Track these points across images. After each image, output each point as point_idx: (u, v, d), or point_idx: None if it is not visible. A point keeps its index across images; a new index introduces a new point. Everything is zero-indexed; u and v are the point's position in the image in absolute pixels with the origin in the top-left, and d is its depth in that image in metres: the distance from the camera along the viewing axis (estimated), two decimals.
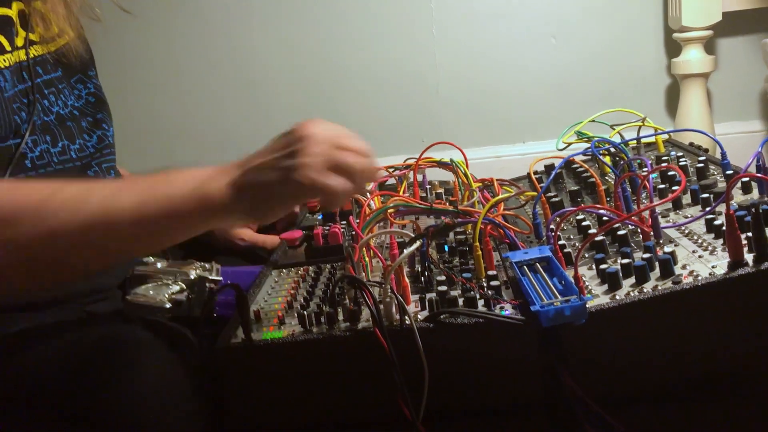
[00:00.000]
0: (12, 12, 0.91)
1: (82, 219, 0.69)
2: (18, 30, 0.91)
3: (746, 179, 0.93)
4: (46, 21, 0.95)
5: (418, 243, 0.78)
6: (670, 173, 1.03)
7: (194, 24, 1.97)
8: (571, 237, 0.93)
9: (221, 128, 2.02)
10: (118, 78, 1.95)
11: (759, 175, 0.81)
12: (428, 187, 1.22)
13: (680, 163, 1.07)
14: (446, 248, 0.94)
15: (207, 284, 0.92)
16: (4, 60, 0.87)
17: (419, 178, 1.20)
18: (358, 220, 0.94)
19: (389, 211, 0.93)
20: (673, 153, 1.17)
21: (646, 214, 0.85)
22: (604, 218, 0.91)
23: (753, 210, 0.72)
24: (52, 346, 0.75)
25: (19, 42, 0.91)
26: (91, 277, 0.86)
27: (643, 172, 0.95)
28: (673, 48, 1.88)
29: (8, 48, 0.89)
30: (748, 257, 0.72)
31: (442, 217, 0.94)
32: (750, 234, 0.73)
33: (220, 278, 0.94)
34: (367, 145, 0.76)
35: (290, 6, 1.94)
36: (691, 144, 1.20)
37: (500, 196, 0.93)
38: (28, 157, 0.88)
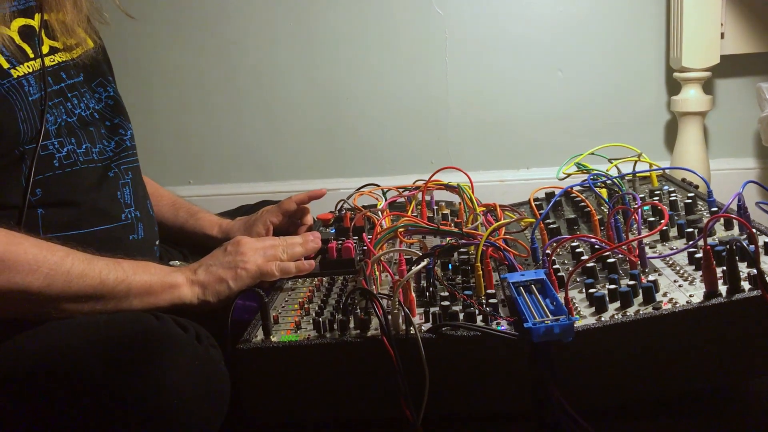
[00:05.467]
0: (35, 22, 1.00)
1: (86, 283, 0.87)
2: (43, 39, 1.00)
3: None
4: (68, 30, 1.04)
5: (425, 261, 0.85)
6: (660, 208, 1.11)
7: (222, 45, 2.04)
8: (566, 262, 1.01)
9: (241, 144, 2.10)
10: (142, 90, 2.05)
11: (733, 216, 0.89)
12: (435, 207, 1.30)
13: (671, 198, 1.15)
14: (450, 267, 1.02)
15: None
16: (28, 66, 0.95)
17: (427, 198, 1.28)
18: (370, 237, 1.02)
19: (399, 230, 1.01)
20: (666, 187, 1.25)
21: (634, 244, 0.93)
22: (596, 246, 0.98)
23: (729, 246, 0.80)
24: (89, 335, 0.81)
25: (45, 49, 1.00)
26: None
27: (635, 205, 1.02)
28: (673, 86, 1.96)
29: (31, 55, 0.97)
30: (723, 289, 0.80)
31: (448, 238, 1.02)
32: (725, 268, 0.81)
33: None
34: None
35: (312, 33, 2.02)
36: (683, 180, 1.28)
37: (502, 221, 1.01)
38: (56, 157, 0.96)
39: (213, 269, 0.97)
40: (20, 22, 0.97)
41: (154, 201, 1.18)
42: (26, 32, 0.98)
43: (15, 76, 0.92)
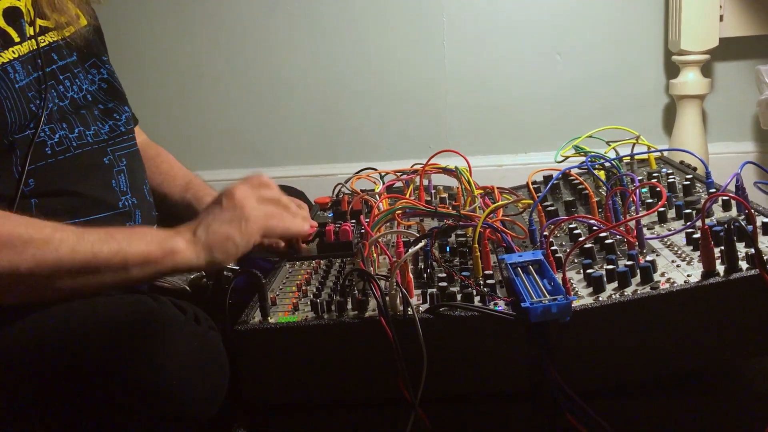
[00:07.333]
0: (20, 3, 0.95)
1: (78, 258, 0.82)
2: (33, 19, 0.96)
3: (726, 197, 1.01)
4: (57, 8, 0.99)
5: (423, 242, 0.85)
6: (658, 189, 1.11)
7: (218, 29, 2.04)
8: (563, 243, 1.01)
9: (238, 129, 2.10)
10: (137, 75, 2.04)
11: (732, 195, 0.89)
12: (433, 191, 1.30)
13: (669, 180, 1.14)
14: (447, 249, 1.01)
15: (225, 272, 1.01)
16: (14, 51, 0.91)
17: (425, 182, 1.27)
18: (368, 220, 1.02)
19: (397, 212, 1.01)
20: (664, 170, 1.25)
21: (632, 224, 0.93)
22: (594, 227, 0.98)
23: (727, 226, 0.80)
24: (88, 318, 0.81)
25: (35, 30, 0.95)
26: None
27: (633, 186, 1.02)
28: (671, 69, 1.96)
29: (17, 39, 0.92)
30: (721, 268, 0.80)
31: (445, 220, 1.02)
32: (723, 247, 0.81)
33: (237, 267, 1.02)
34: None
35: (309, 17, 2.01)
36: (682, 162, 1.28)
37: (499, 203, 1.01)
38: (48, 144, 0.93)
39: (215, 227, 0.90)
40: (5, 3, 0.93)
41: (167, 181, 1.16)
42: (11, 14, 0.93)
43: None
